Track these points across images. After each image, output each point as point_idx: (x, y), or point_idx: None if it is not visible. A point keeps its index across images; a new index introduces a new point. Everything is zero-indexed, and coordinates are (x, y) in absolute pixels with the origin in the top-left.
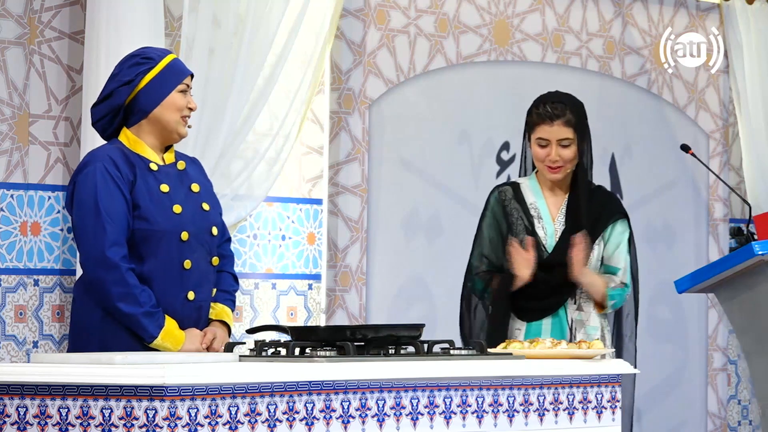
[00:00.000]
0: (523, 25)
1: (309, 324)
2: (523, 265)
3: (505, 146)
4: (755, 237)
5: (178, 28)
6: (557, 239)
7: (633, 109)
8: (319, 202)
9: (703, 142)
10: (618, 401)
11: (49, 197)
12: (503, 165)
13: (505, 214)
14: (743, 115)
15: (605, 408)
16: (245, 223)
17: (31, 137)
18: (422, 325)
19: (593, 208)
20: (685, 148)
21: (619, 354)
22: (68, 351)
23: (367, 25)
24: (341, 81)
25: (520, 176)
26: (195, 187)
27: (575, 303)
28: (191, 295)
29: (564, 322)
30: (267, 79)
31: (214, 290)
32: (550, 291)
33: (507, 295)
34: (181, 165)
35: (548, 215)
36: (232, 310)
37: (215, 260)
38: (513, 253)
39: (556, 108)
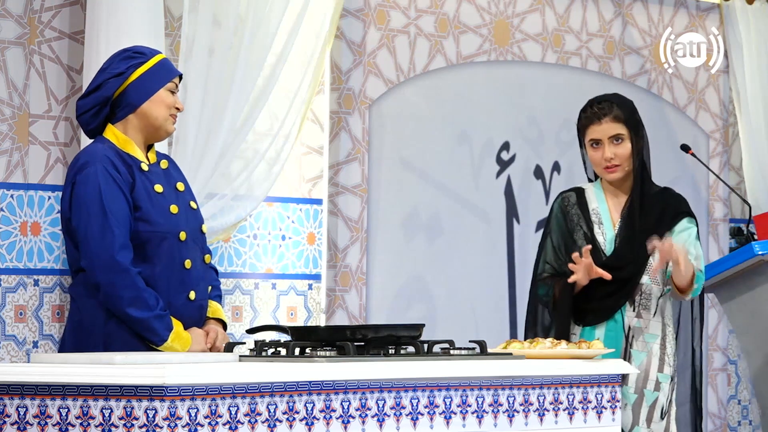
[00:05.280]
0: (523, 25)
1: (309, 324)
2: (580, 270)
3: (505, 146)
4: (755, 237)
5: (178, 28)
6: (616, 244)
7: None
8: (319, 202)
9: (703, 142)
10: (618, 401)
11: (49, 197)
12: (503, 165)
13: (566, 220)
14: (743, 115)
15: (605, 408)
16: (245, 223)
17: (31, 137)
18: (422, 325)
19: (654, 210)
20: (685, 148)
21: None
22: (69, 352)
23: (367, 25)
24: (341, 81)
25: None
26: (180, 186)
27: (634, 310)
28: (192, 295)
29: (620, 328)
30: (267, 79)
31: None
32: (607, 293)
33: (569, 298)
34: (164, 164)
35: (609, 221)
36: (222, 305)
37: (207, 258)
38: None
39: (603, 106)
